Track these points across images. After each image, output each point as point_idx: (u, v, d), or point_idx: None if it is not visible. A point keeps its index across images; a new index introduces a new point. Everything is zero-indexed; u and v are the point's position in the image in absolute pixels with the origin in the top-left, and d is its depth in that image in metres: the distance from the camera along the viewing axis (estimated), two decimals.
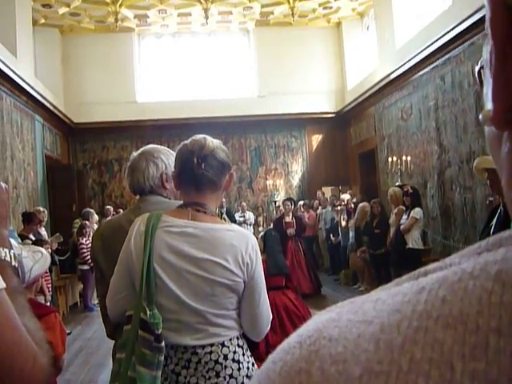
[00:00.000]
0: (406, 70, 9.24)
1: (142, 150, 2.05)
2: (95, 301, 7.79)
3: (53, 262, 6.08)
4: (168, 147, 2.11)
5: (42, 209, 7.96)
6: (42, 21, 11.39)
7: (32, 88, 8.99)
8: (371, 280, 8.28)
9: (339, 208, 9.75)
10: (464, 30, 7.15)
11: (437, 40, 7.94)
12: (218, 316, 1.58)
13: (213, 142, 1.67)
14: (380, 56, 10.82)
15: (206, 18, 11.31)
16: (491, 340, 0.23)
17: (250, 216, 11.44)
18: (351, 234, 9.09)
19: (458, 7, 7.27)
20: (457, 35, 7.39)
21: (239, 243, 1.59)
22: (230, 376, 1.56)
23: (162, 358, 1.51)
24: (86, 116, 11.89)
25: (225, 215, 1.88)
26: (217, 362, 1.56)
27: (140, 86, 12.79)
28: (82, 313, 8.30)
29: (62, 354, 2.18)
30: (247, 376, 1.59)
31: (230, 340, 1.61)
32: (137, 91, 12.64)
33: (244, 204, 11.86)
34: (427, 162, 8.87)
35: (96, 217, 9.29)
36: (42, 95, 9.57)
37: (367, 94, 11.07)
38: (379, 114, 10.88)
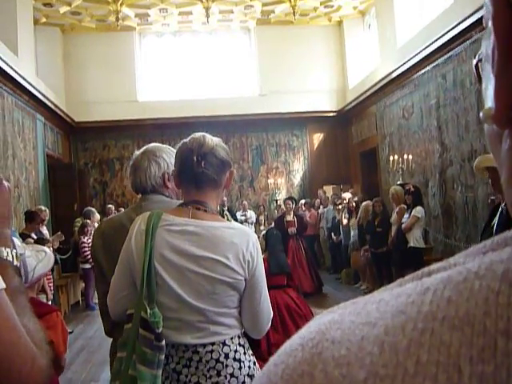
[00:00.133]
0: (408, 69, 9.23)
1: (144, 148, 2.05)
2: (97, 299, 7.79)
3: (54, 261, 6.09)
4: (169, 146, 2.11)
5: (43, 208, 7.97)
6: (44, 20, 11.39)
7: (33, 87, 8.99)
8: (373, 279, 8.28)
9: (340, 207, 9.74)
10: (466, 28, 7.14)
11: (438, 38, 7.93)
12: (219, 314, 1.58)
13: (212, 139, 1.67)
14: (381, 54, 10.80)
15: (207, 16, 11.31)
16: (499, 342, 0.23)
17: (251, 215, 11.44)
18: (352, 232, 9.08)
19: (460, 5, 7.26)
20: (458, 33, 7.38)
21: (240, 241, 1.59)
22: (231, 375, 1.56)
23: (163, 356, 1.51)
24: (87, 115, 11.90)
25: (227, 212, 1.88)
26: (218, 360, 1.56)
27: (141, 85, 12.78)
28: (84, 312, 8.30)
29: (64, 352, 2.18)
30: (248, 375, 1.59)
31: (231, 339, 1.60)
32: (138, 90, 12.64)
33: (245, 203, 11.86)
34: (429, 161, 8.86)
35: (97, 215, 9.30)
36: (43, 94, 9.58)
37: (368, 93, 11.05)
38: (380, 113, 10.87)
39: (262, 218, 11.77)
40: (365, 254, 8.40)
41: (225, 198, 10.65)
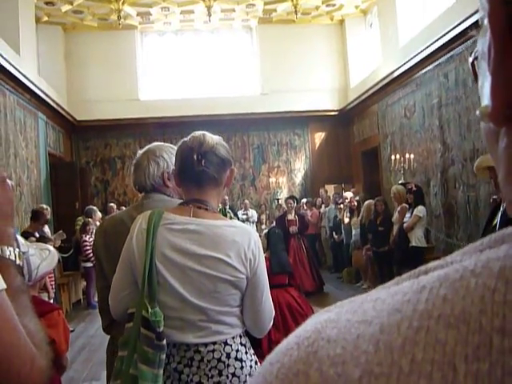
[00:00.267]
0: (410, 68, 9.21)
1: (146, 148, 2.07)
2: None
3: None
4: (171, 145, 2.12)
5: (45, 206, 7.98)
6: (45, 18, 11.40)
7: (35, 86, 9.00)
8: (374, 278, 8.27)
9: (342, 206, 9.74)
10: (468, 27, 7.12)
11: (440, 37, 7.91)
12: (221, 313, 1.58)
13: (212, 138, 1.66)
14: (383, 53, 10.79)
15: (209, 15, 11.30)
16: (495, 340, 0.23)
17: (252, 214, 11.43)
18: (354, 231, 9.08)
19: (462, 4, 7.24)
20: (460, 33, 7.36)
21: (241, 239, 1.58)
22: (233, 374, 1.56)
23: (164, 356, 1.50)
24: (89, 114, 11.91)
25: (229, 211, 1.88)
26: (219, 360, 1.56)
27: (143, 84, 12.79)
28: (85, 310, 8.31)
29: (65, 351, 2.18)
30: (250, 375, 1.58)
31: (233, 338, 1.60)
32: (139, 89, 12.65)
33: (247, 202, 11.86)
34: (430, 160, 8.84)
35: (99, 214, 9.30)
36: (45, 93, 9.58)
37: (370, 92, 11.04)
38: (382, 112, 10.85)
39: (263, 217, 11.77)
40: (366, 253, 8.40)
41: (226, 197, 10.65)
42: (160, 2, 11.30)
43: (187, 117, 11.71)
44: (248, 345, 1.66)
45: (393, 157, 9.77)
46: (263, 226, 10.91)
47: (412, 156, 9.31)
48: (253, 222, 11.19)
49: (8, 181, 0.98)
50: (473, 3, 6.71)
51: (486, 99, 0.31)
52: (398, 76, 9.72)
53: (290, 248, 8.20)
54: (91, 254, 7.83)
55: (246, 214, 11.28)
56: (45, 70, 10.87)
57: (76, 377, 4.92)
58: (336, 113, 12.80)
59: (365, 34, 12.71)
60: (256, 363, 1.64)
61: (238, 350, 1.59)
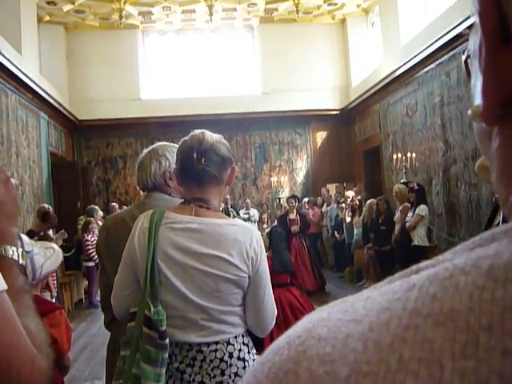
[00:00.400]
0: (411, 67, 9.20)
1: (151, 147, 2.10)
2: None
3: None
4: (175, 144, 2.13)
5: (46, 206, 7.98)
6: (47, 18, 11.41)
7: (37, 85, 9.00)
8: (376, 277, 8.26)
9: (344, 205, 9.74)
10: (469, 26, 7.10)
11: (442, 36, 7.89)
12: (223, 312, 1.57)
13: (212, 136, 1.66)
14: (385, 52, 10.77)
15: (210, 14, 11.29)
16: (481, 338, 0.23)
17: (254, 213, 11.43)
18: (356, 230, 9.08)
19: (464, 3, 7.23)
20: (462, 31, 7.34)
21: (243, 238, 1.58)
22: (235, 374, 1.56)
23: (167, 355, 1.50)
24: (91, 113, 11.91)
25: (232, 209, 1.88)
26: (222, 360, 1.55)
27: (144, 83, 12.79)
28: (87, 309, 8.32)
29: (68, 351, 2.18)
30: None
31: (235, 338, 1.60)
32: (141, 88, 12.65)
33: (248, 201, 11.85)
34: (432, 159, 8.83)
35: (101, 213, 9.32)
36: (46, 92, 9.59)
37: (372, 91, 11.02)
38: (384, 111, 10.84)
39: (265, 216, 11.76)
40: (368, 252, 8.39)
41: (228, 196, 10.66)
42: (161, 1, 11.30)
43: (189, 116, 11.70)
44: (250, 344, 1.65)
45: (394, 156, 9.76)
46: (265, 226, 10.90)
47: (414, 155, 9.30)
48: (254, 222, 11.18)
49: (12, 180, 0.97)
50: (474, 2, 6.69)
51: (477, 98, 0.31)
52: (399, 75, 9.71)
53: (291, 247, 8.20)
54: (93, 254, 7.85)
55: (248, 214, 11.28)
56: (46, 69, 10.87)
57: (78, 376, 4.93)
58: (337, 112, 12.79)
59: (366, 32, 12.69)
60: None
61: (240, 350, 1.59)
